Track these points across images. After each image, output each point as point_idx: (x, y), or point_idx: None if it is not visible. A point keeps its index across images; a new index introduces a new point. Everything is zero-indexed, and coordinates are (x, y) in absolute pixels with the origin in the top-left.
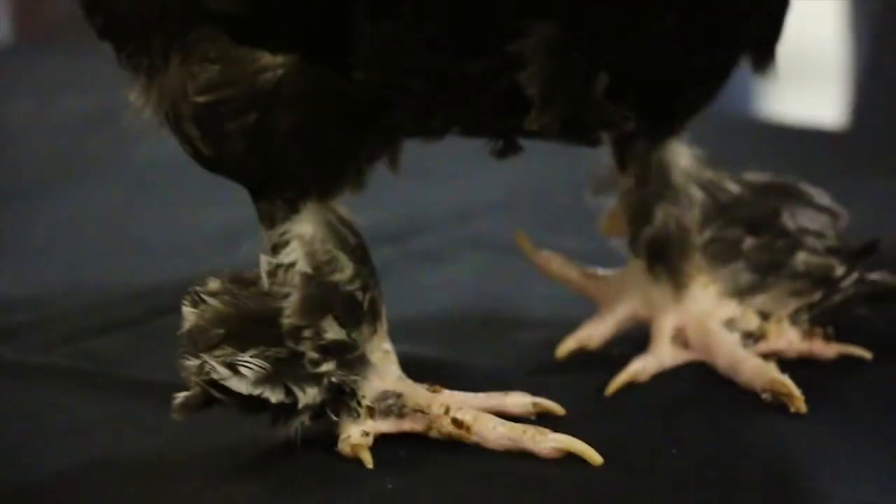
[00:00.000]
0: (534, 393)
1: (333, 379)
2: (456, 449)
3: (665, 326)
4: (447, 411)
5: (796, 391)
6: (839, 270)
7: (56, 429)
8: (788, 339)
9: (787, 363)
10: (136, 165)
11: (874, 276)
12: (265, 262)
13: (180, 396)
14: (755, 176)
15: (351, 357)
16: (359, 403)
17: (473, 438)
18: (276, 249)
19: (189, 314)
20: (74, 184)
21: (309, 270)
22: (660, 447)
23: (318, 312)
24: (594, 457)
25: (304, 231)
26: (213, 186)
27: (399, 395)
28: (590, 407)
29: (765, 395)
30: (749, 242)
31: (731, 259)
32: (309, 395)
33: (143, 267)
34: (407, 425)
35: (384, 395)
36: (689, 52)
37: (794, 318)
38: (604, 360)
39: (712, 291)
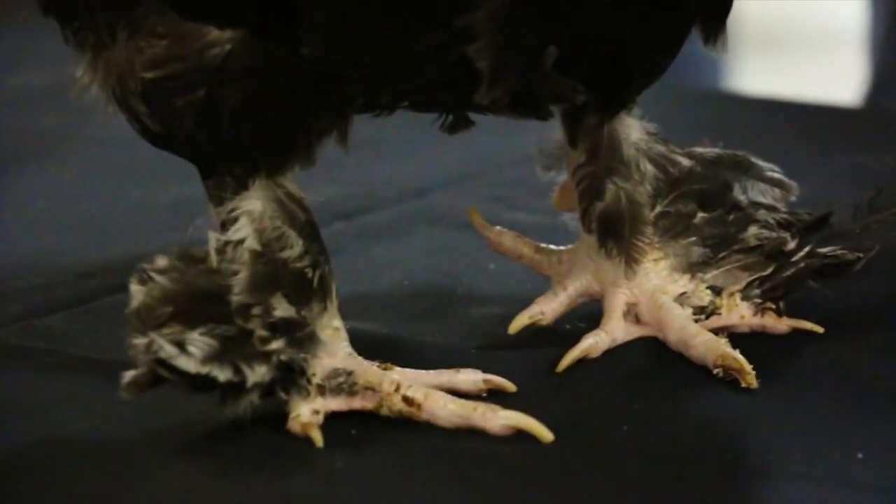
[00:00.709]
0: (485, 369)
1: (283, 357)
2: (407, 427)
3: (617, 302)
4: (398, 389)
5: (747, 366)
6: (791, 244)
7: (5, 407)
8: (740, 313)
9: (739, 338)
10: (86, 142)
11: (826, 249)
12: (214, 239)
13: (128, 375)
14: (706, 150)
15: (300, 335)
16: (308, 381)
17: (424, 416)
18: (224, 226)
19: (136, 292)
20: (25, 161)
21: (258, 247)
22: (611, 423)
23: (267, 290)
24: (545, 434)
25: (253, 207)
26: (164, 163)
27: (349, 373)
28: (541, 383)
29: (716, 371)
30: (701, 217)
31: (682, 233)
32: (258, 374)
33: (93, 244)
34: (357, 403)
35: (334, 373)
36: (639, 25)
37: (745, 293)
38: (556, 335)
39: (664, 266)
